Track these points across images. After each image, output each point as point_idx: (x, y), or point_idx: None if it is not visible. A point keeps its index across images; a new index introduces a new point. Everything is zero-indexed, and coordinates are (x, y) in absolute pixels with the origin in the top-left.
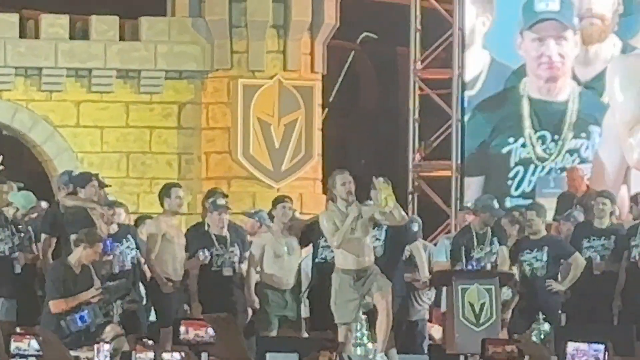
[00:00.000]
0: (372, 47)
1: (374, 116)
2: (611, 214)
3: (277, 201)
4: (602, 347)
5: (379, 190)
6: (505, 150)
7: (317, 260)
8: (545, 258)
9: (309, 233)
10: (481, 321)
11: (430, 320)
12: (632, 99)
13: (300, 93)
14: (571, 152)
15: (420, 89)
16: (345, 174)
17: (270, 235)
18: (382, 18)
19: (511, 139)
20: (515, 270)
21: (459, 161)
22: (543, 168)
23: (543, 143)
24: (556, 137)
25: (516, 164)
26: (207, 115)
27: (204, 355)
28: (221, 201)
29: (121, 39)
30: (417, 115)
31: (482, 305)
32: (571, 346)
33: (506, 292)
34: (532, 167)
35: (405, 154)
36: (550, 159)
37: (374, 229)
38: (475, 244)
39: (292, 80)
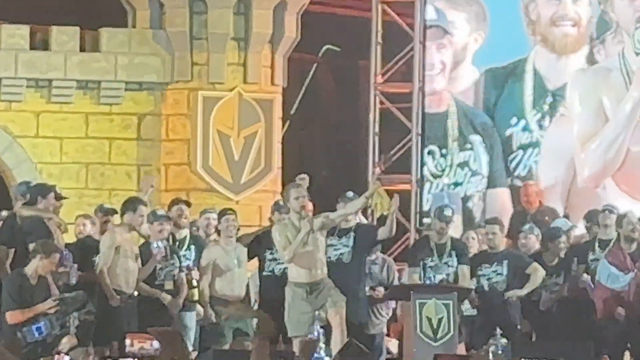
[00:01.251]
0: (334, 60)
1: (335, 129)
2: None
3: (220, 214)
4: None
5: (376, 194)
6: None
7: (264, 273)
8: (505, 271)
9: (255, 246)
10: (439, 336)
11: (388, 335)
12: (590, 113)
13: (260, 105)
14: (461, 165)
15: (381, 102)
16: (299, 189)
17: (220, 249)
18: (344, 31)
19: None
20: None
21: (419, 175)
22: (438, 185)
23: (434, 159)
24: (444, 151)
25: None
26: (166, 126)
27: None
28: (160, 211)
29: (81, 50)
30: (377, 129)
31: (440, 320)
32: None
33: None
34: (427, 185)
35: (366, 167)
36: (443, 175)
37: (340, 238)
38: (435, 253)
39: (252, 93)
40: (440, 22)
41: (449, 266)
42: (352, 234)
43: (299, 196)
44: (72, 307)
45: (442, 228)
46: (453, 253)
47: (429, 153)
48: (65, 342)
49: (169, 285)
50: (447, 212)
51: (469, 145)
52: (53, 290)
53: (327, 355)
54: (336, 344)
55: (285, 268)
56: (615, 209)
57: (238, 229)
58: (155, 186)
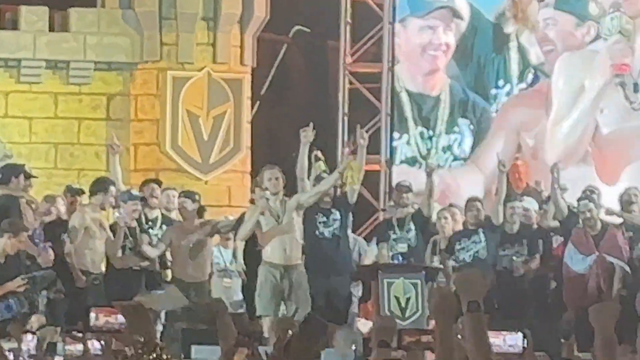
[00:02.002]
0: (304, 41)
1: (305, 109)
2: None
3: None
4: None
5: (348, 168)
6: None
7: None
8: (483, 239)
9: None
10: (407, 315)
11: (358, 315)
12: (570, 95)
13: (230, 85)
14: (445, 149)
15: (350, 82)
16: (274, 170)
17: (179, 230)
18: (313, 11)
19: (396, 135)
20: (450, 263)
21: (388, 155)
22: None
23: (422, 140)
24: (431, 132)
25: (402, 162)
26: (135, 106)
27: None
28: (135, 192)
29: (50, 29)
30: (346, 109)
31: (408, 299)
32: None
33: None
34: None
35: (335, 147)
36: (428, 157)
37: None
38: (396, 226)
39: (222, 73)
40: (450, 4)
41: (410, 232)
42: (339, 208)
43: (272, 177)
44: (41, 285)
45: (400, 198)
46: (411, 223)
47: (420, 135)
48: (34, 321)
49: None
50: (404, 183)
51: (456, 129)
52: (21, 269)
53: None
54: None
55: None
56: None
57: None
58: (125, 166)
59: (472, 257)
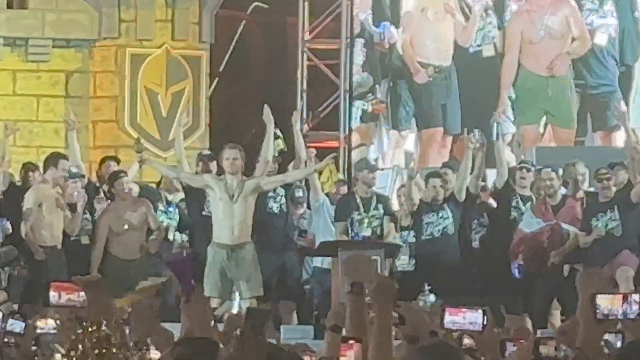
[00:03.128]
0: (262, 17)
1: (264, 86)
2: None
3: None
4: (479, 313)
5: (327, 169)
6: None
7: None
8: (450, 215)
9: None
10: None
11: None
12: None
13: (188, 62)
14: None
15: (309, 59)
16: (234, 150)
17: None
18: None
19: None
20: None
21: (347, 132)
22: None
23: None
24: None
25: None
26: (94, 83)
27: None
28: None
29: (9, 6)
30: (305, 86)
31: None
32: (448, 318)
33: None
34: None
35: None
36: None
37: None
38: (361, 207)
39: (180, 50)
40: None
41: (375, 219)
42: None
43: (230, 157)
44: (3, 261)
45: (367, 178)
46: (380, 206)
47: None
48: None
49: (85, 240)
50: (371, 162)
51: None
52: None
53: None
54: None
55: None
56: (532, 166)
57: None
58: (84, 143)
59: (441, 232)
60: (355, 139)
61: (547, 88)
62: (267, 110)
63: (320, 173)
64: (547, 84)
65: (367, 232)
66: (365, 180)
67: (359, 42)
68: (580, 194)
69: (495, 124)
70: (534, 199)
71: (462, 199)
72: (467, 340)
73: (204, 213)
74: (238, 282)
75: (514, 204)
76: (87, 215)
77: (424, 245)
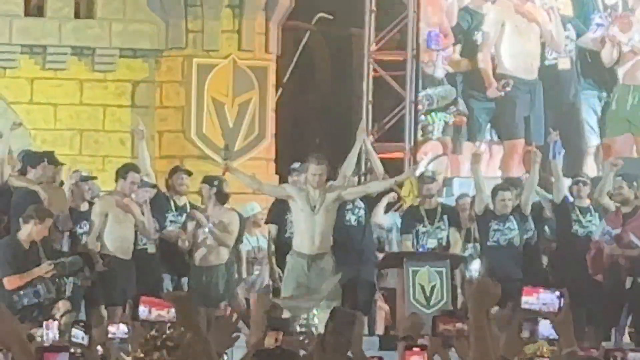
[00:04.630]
0: (327, 28)
1: (328, 97)
2: None
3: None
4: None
5: (408, 182)
6: None
7: (287, 235)
8: (516, 227)
9: (275, 210)
10: (432, 303)
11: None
12: None
13: (255, 73)
14: None
15: (375, 70)
16: (321, 167)
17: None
18: None
19: None
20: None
21: (412, 143)
22: None
23: None
24: None
25: None
26: (160, 94)
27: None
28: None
29: (76, 16)
30: (370, 97)
31: (433, 287)
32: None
33: None
34: None
35: None
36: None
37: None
38: (425, 219)
39: (247, 60)
40: None
41: (441, 230)
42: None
43: (317, 173)
44: (68, 271)
45: (428, 190)
46: (445, 217)
47: None
48: (60, 306)
49: (151, 249)
50: (428, 174)
51: None
52: (43, 256)
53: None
54: None
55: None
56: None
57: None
58: (150, 153)
59: (507, 242)
60: (434, 150)
61: (628, 98)
62: (361, 126)
63: (401, 186)
64: (628, 93)
65: (432, 244)
66: (424, 191)
67: (441, 54)
68: None
69: (552, 143)
70: (592, 209)
71: (528, 212)
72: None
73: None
74: (317, 292)
75: (574, 217)
76: (156, 225)
77: (489, 251)
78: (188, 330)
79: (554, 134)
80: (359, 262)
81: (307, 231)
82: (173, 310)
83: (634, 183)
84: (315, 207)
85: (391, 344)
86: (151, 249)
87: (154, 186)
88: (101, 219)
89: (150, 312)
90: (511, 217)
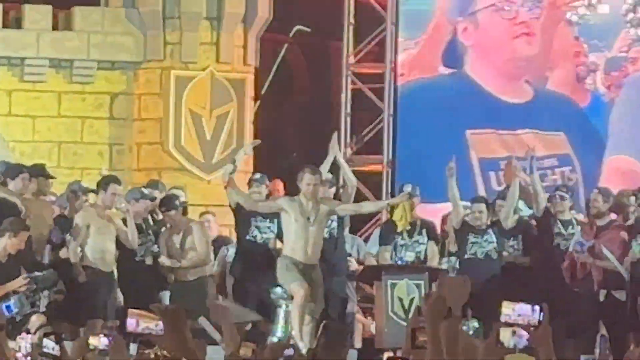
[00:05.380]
0: (305, 41)
1: (306, 109)
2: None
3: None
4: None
5: (401, 206)
6: None
7: (247, 237)
8: (494, 240)
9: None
10: (410, 316)
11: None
12: None
13: (233, 85)
14: None
15: (353, 82)
16: (315, 176)
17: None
18: (315, 11)
19: None
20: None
21: (390, 156)
22: None
23: None
24: None
25: None
26: (139, 106)
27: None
28: (147, 190)
29: (54, 28)
30: (349, 109)
31: (412, 300)
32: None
33: None
34: None
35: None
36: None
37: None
38: (404, 232)
39: (225, 73)
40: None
41: (419, 244)
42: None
43: (311, 183)
44: (42, 285)
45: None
46: (423, 231)
47: None
48: (35, 321)
49: (148, 260)
50: (407, 188)
51: None
52: (22, 269)
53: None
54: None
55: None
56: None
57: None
58: (127, 165)
59: (485, 254)
60: None
61: None
62: (334, 138)
63: (393, 209)
64: None
65: (410, 258)
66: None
67: None
68: (630, 221)
69: (529, 158)
70: (574, 221)
71: (508, 227)
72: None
73: None
74: (311, 303)
75: (555, 230)
76: (152, 237)
77: (466, 264)
78: (175, 344)
79: (530, 150)
80: (331, 275)
81: (301, 241)
82: (161, 323)
83: (610, 197)
84: (309, 218)
85: (371, 356)
86: (148, 260)
87: (154, 199)
88: (83, 231)
89: (138, 324)
90: (490, 231)
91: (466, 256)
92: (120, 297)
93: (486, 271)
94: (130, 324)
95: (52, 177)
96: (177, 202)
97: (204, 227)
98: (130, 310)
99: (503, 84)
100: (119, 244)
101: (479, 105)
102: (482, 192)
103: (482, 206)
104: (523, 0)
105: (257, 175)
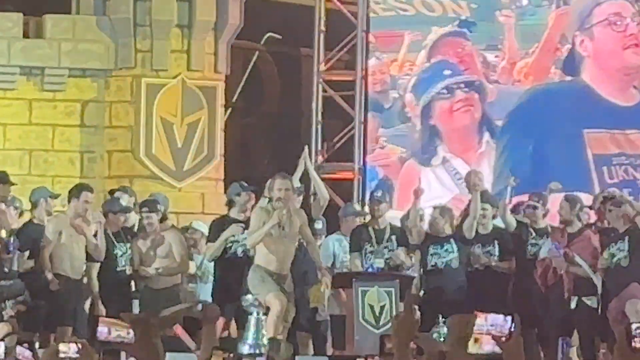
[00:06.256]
0: (276, 48)
1: (277, 117)
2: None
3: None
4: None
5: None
6: None
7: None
8: (455, 250)
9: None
10: (381, 323)
11: None
12: None
13: (204, 93)
14: None
15: (324, 90)
16: (286, 181)
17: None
18: (286, 19)
19: None
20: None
21: (361, 163)
22: None
23: None
24: None
25: None
26: (110, 113)
27: (123, 355)
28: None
29: (25, 36)
30: (320, 117)
31: (382, 307)
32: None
33: None
34: None
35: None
36: None
37: None
38: (373, 238)
39: (196, 80)
40: None
41: (389, 250)
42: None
43: (282, 188)
44: (8, 294)
45: (374, 210)
46: (393, 238)
47: None
48: (0, 329)
49: (129, 270)
50: (377, 194)
51: None
52: None
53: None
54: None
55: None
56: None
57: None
58: (99, 172)
59: (445, 264)
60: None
61: None
62: (305, 151)
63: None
64: None
65: (380, 264)
66: (373, 212)
67: None
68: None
69: (509, 187)
70: (550, 228)
71: (471, 237)
72: None
73: None
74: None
75: (531, 241)
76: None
77: (429, 275)
78: (146, 352)
79: (513, 180)
80: (302, 283)
81: (276, 252)
82: (131, 330)
83: (577, 205)
84: (284, 228)
85: None
86: (129, 270)
87: (129, 211)
88: (55, 237)
89: (110, 332)
90: (451, 240)
91: (428, 268)
92: (87, 305)
93: (447, 281)
94: (102, 332)
95: (13, 184)
96: (158, 206)
97: (181, 235)
98: (101, 319)
99: (614, 89)
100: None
101: (594, 107)
102: (596, 185)
103: (436, 211)
104: (632, 14)
105: (244, 184)
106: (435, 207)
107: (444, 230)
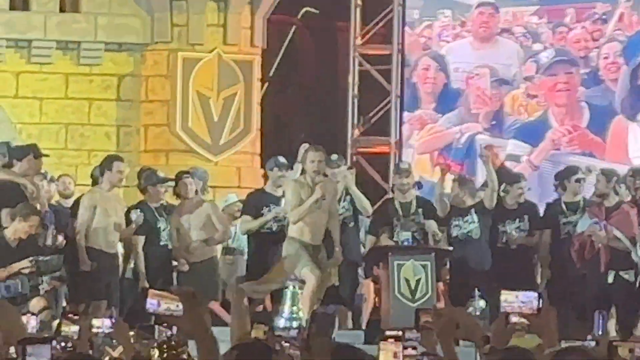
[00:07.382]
0: (312, 22)
1: (314, 91)
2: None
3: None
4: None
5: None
6: None
7: (263, 230)
8: (476, 220)
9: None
10: (417, 297)
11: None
12: None
13: (240, 67)
14: None
15: (360, 64)
16: (319, 152)
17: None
18: None
19: None
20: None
21: (397, 137)
22: None
23: None
24: None
25: None
26: (146, 87)
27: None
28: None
29: (61, 10)
30: (356, 91)
31: (418, 281)
32: (504, 296)
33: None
34: None
35: (344, 129)
36: None
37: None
38: (399, 212)
39: (232, 54)
40: None
41: (415, 223)
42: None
43: (315, 160)
44: (45, 269)
45: (402, 184)
46: (420, 210)
47: None
48: (35, 304)
49: (171, 245)
50: (403, 166)
51: None
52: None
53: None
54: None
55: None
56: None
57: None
58: (135, 147)
59: (466, 235)
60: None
61: None
62: (343, 168)
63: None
64: None
65: (407, 236)
66: (397, 185)
67: None
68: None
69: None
70: (581, 204)
71: (492, 207)
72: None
73: None
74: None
75: (563, 221)
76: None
77: (453, 247)
78: (193, 325)
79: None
80: (344, 258)
81: (310, 224)
82: (180, 304)
83: (614, 178)
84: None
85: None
86: (171, 245)
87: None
88: (90, 213)
89: (159, 304)
90: (472, 211)
91: (450, 240)
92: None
93: (470, 251)
94: (152, 304)
95: (46, 155)
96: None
97: (217, 206)
98: (150, 291)
99: None
100: (145, 229)
101: None
102: None
103: (455, 185)
104: None
105: (282, 159)
106: (454, 180)
107: (464, 202)
